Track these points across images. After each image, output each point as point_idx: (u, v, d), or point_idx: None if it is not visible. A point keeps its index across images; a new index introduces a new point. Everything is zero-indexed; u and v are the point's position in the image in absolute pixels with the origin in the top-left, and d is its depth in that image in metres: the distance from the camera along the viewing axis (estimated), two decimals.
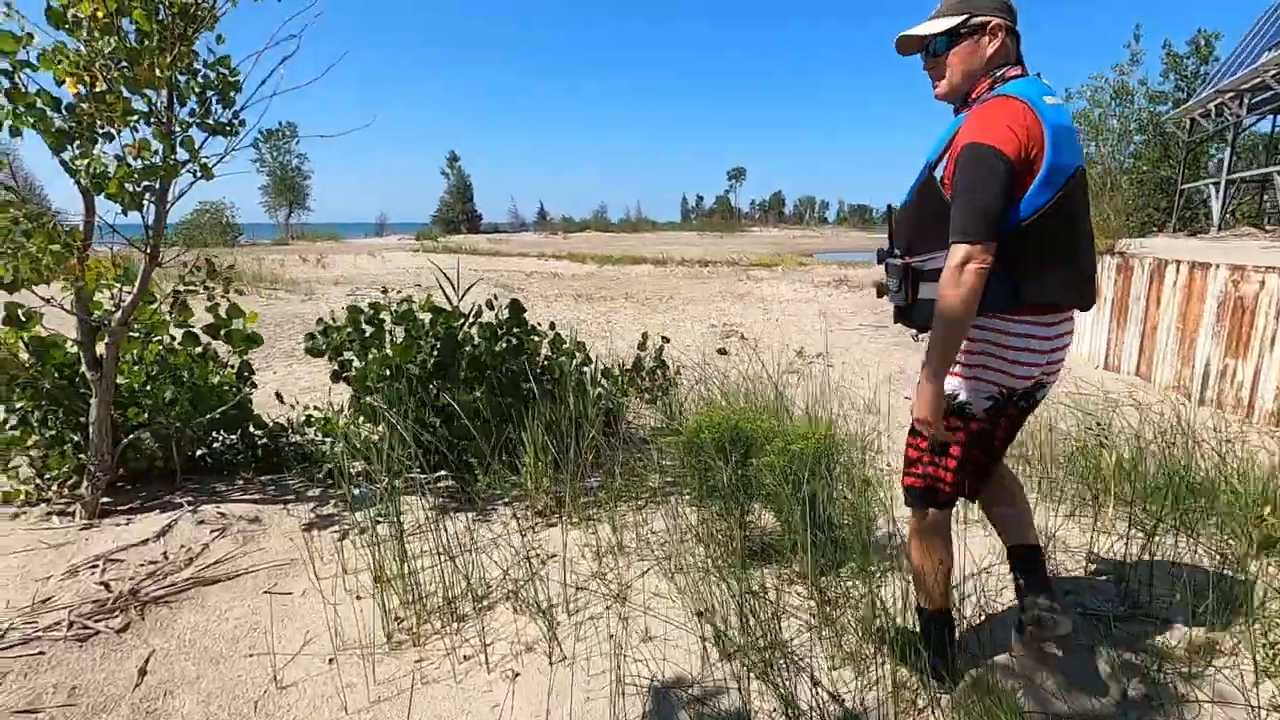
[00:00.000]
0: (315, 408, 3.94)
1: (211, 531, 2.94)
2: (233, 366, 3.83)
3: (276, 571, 2.73)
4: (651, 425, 4.42)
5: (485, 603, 2.48)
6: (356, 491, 3.28)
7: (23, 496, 3.20)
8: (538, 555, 2.75)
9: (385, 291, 4.34)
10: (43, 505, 3.20)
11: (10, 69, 2.45)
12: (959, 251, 1.60)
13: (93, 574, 2.58)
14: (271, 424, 3.92)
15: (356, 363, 3.78)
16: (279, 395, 4.30)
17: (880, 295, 1.97)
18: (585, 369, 3.91)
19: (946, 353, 1.66)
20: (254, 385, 3.91)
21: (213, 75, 2.80)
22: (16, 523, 3.04)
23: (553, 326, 4.17)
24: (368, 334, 3.78)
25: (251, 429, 3.84)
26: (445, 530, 2.78)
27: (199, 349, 3.68)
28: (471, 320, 3.81)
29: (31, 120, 2.48)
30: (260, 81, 2.84)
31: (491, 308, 3.97)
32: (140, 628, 2.35)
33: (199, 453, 3.72)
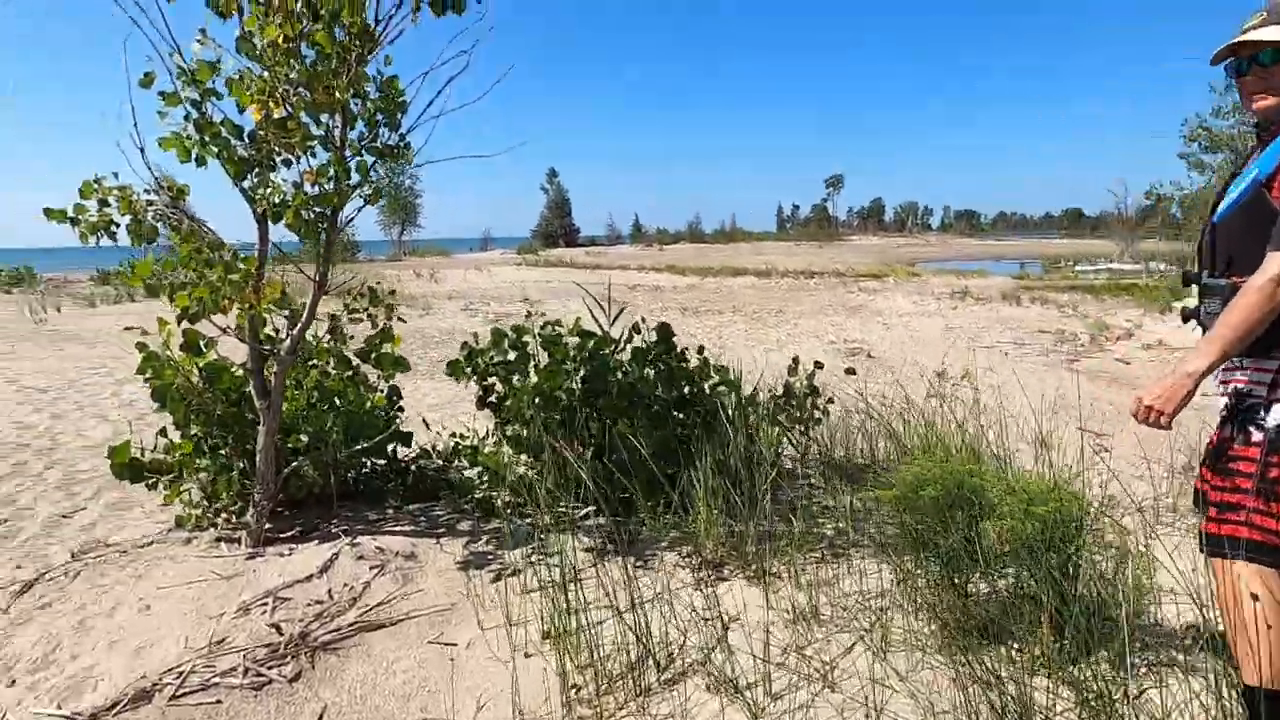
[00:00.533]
0: (461, 435, 3.83)
1: (371, 568, 2.84)
2: (381, 390, 3.80)
3: (439, 618, 2.58)
4: (794, 455, 4.05)
5: (669, 672, 2.20)
6: (510, 528, 3.11)
7: (193, 521, 3.24)
8: (719, 617, 2.45)
9: (529, 314, 4.20)
10: (211, 530, 3.23)
11: (199, 99, 2.44)
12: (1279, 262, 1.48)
13: (263, 613, 2.51)
14: (417, 449, 3.85)
15: (499, 387, 3.64)
16: (426, 422, 4.25)
17: (1185, 320, 1.77)
18: (747, 404, 3.59)
19: (1222, 357, 1.55)
20: (402, 409, 3.86)
21: (381, 97, 2.71)
22: (189, 549, 3.06)
23: (700, 351, 3.89)
24: (511, 358, 3.64)
25: (398, 454, 3.79)
26: (609, 577, 2.54)
27: (349, 372, 3.66)
28: (622, 345, 3.60)
29: (216, 149, 2.46)
30: (428, 102, 2.73)
31: (639, 331, 3.74)
32: (311, 677, 2.24)
33: (349, 476, 3.69)
